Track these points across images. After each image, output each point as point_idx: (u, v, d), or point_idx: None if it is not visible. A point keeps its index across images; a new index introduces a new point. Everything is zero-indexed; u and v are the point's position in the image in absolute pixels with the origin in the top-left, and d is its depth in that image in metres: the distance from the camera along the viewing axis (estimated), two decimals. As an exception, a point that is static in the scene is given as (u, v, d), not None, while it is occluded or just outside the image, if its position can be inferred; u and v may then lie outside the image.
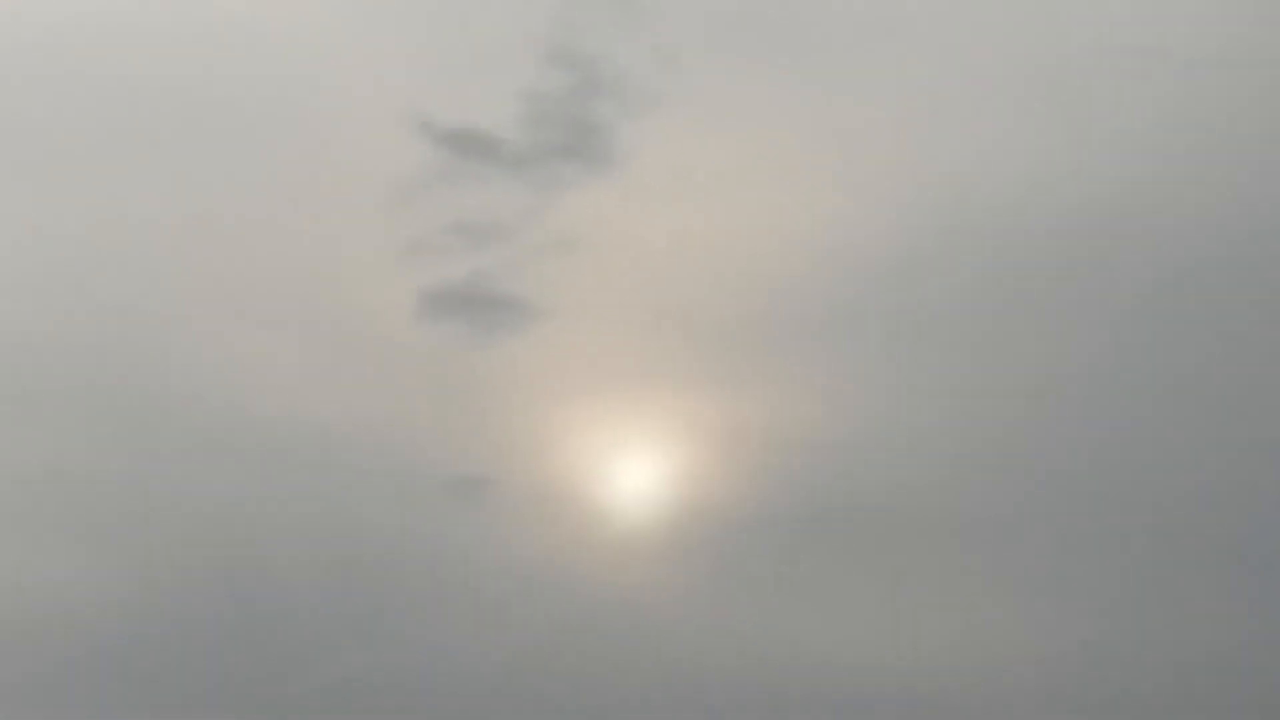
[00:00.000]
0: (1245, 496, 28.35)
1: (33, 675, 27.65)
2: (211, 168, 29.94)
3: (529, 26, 29.93)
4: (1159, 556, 28.20)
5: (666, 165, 29.90)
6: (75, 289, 29.67)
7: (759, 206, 29.95)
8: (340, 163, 30.03)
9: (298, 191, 29.98)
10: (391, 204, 29.69)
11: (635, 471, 29.22)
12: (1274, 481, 28.20)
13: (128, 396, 29.30)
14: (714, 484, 28.98)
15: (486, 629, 28.30)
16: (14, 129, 29.86)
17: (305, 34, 30.20)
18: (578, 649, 28.08)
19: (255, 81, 30.18)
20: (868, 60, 30.05)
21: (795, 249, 29.68)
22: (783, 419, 29.06)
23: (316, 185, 30.03)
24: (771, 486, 28.84)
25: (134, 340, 29.52)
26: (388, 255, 29.57)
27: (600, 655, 28.01)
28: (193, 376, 29.45)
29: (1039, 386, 29.19)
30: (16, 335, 29.25)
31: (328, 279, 29.86)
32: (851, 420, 29.06)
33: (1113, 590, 28.19)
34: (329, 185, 30.03)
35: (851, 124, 29.83)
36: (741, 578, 28.53)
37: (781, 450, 28.94)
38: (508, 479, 28.90)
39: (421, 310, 29.45)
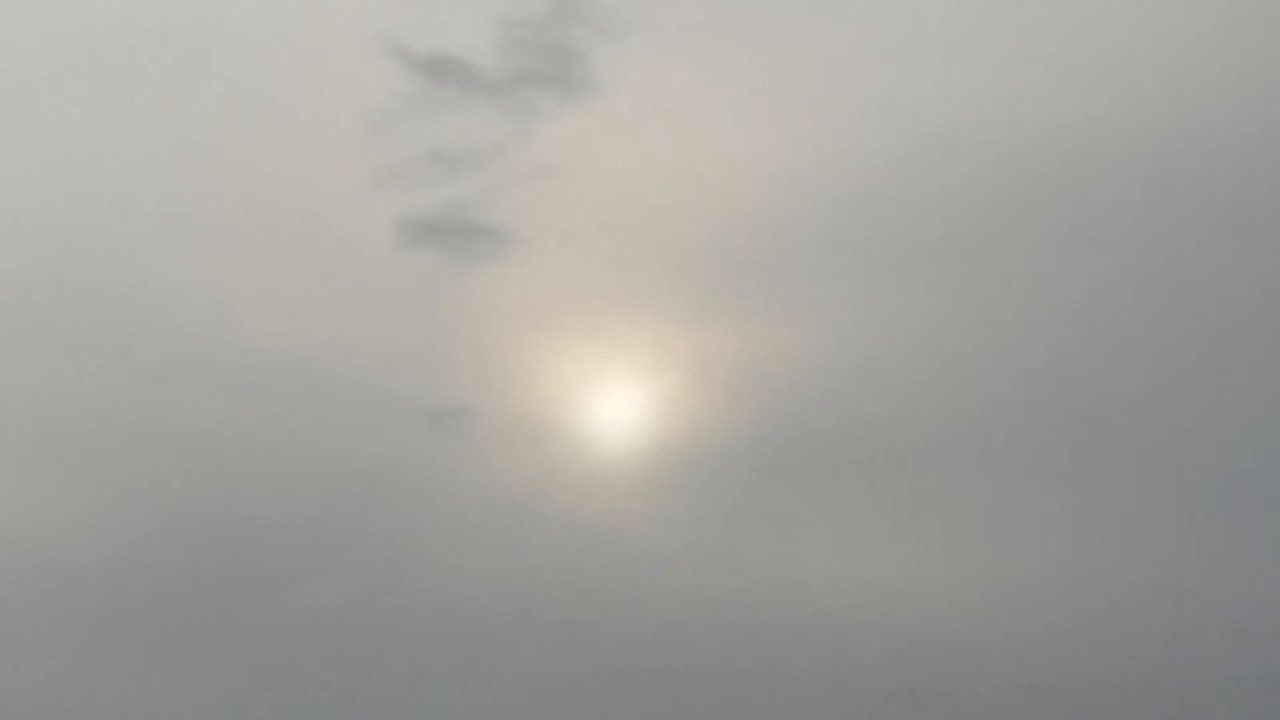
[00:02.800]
0: (1217, 424, 28.58)
1: (5, 598, 27.81)
2: (186, 97, 29.72)
3: (504, -49, 29.67)
4: (1132, 484, 28.43)
5: (643, 92, 29.75)
6: (50, 219, 29.53)
7: (735, 134, 29.85)
8: (314, 90, 29.83)
9: (272, 120, 29.78)
10: (367, 132, 29.51)
11: (614, 401, 29.32)
12: (1246, 409, 28.43)
13: (104, 324, 29.27)
14: (691, 413, 29.11)
15: (464, 558, 28.46)
16: (-15, 62, 29.67)
17: (278, -41, 29.95)
18: (556, 578, 28.28)
19: (228, 10, 29.91)
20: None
21: (771, 176, 29.62)
22: (759, 348, 29.14)
23: (291, 113, 29.83)
24: (748, 415, 28.99)
25: (111, 269, 29.43)
26: (364, 184, 29.44)
27: (578, 584, 28.21)
28: (169, 305, 29.39)
29: (1012, 314, 29.31)
30: (-9, 267, 29.19)
31: (304, 208, 29.73)
32: (829, 350, 29.17)
33: (1087, 516, 28.44)
34: (304, 113, 29.84)
35: (828, 51, 29.68)
36: (718, 506, 28.73)
37: (757, 379, 29.06)
38: (487, 408, 28.98)
39: (398, 239, 29.41)
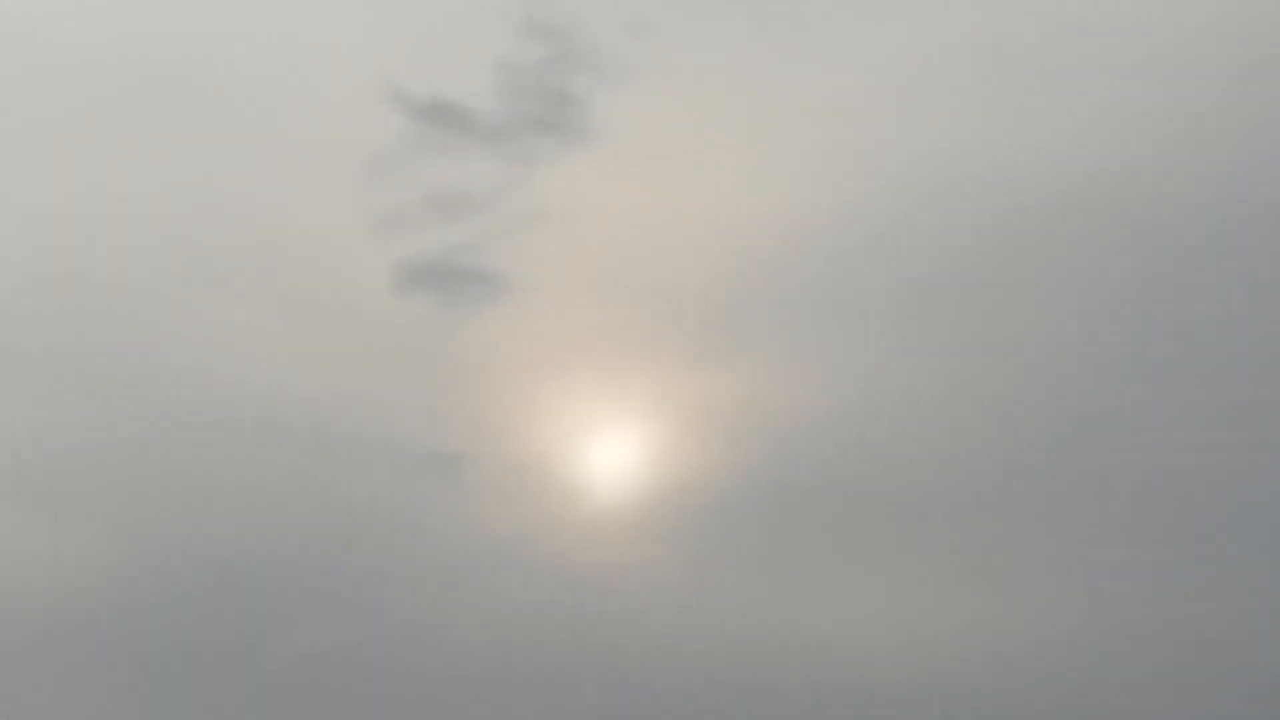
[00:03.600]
0: (1238, 478, 28.32)
1: (9, 647, 27.50)
2: (182, 139, 29.61)
3: (504, -4, 29.67)
4: (1150, 539, 28.17)
5: (643, 138, 29.65)
6: (48, 260, 29.36)
7: (736, 180, 29.73)
8: (312, 134, 29.72)
9: (269, 163, 29.67)
10: (364, 176, 29.40)
11: (612, 448, 29.08)
12: (1268, 463, 28.19)
13: (99, 368, 29.07)
14: (691, 461, 28.87)
15: (461, 605, 28.21)
16: (-15, 101, 29.58)
17: (277, 3, 29.85)
18: (553, 626, 28.00)
19: (226, 52, 29.81)
20: (848, 32, 29.80)
21: (773, 223, 29.50)
22: (760, 396, 28.94)
23: (288, 156, 29.71)
24: (749, 464, 28.76)
25: (105, 312, 29.25)
26: (361, 228, 29.32)
27: (576, 633, 27.95)
28: (164, 349, 29.22)
29: (1020, 365, 29.12)
30: (-13, 308, 29.00)
31: (301, 251, 29.59)
32: (830, 398, 28.95)
33: (1101, 571, 28.17)
34: (301, 157, 29.71)
35: (831, 97, 29.58)
36: (718, 556, 28.48)
37: (759, 428, 28.84)
38: (483, 454, 28.77)
39: (396, 284, 29.24)
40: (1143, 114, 29.31)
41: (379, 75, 29.46)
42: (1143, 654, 27.56)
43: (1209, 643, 27.35)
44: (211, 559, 28.23)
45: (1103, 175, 29.12)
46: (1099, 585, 27.92)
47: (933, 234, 29.35)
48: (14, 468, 28.37)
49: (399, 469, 28.55)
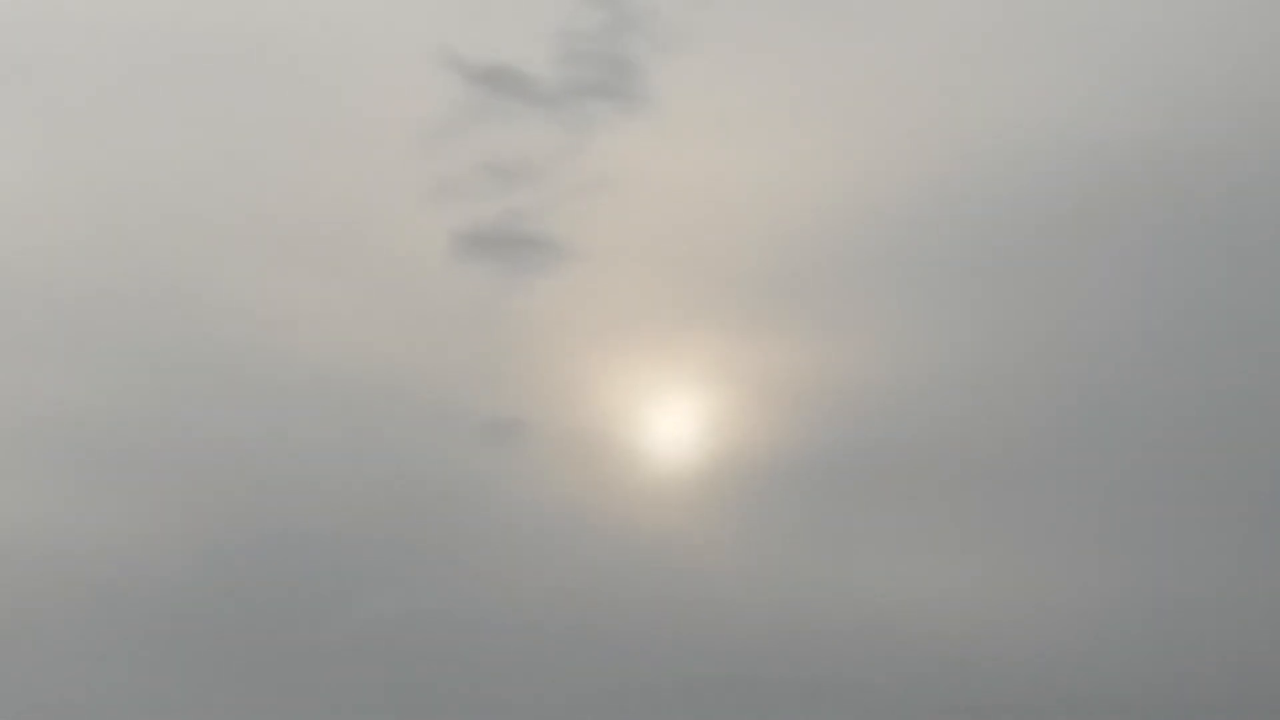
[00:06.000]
0: (1270, 442, 28.34)
1: (74, 620, 27.85)
2: (242, 109, 29.72)
3: (562, -38, 29.60)
4: (1183, 503, 28.21)
5: (699, 104, 29.66)
6: (107, 231, 29.58)
7: (792, 148, 29.71)
8: (371, 102, 29.80)
9: (329, 131, 29.76)
10: (423, 143, 29.47)
11: (669, 415, 29.22)
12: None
13: (162, 338, 29.28)
14: (748, 429, 29.01)
15: (519, 572, 28.39)
16: (48, 71, 29.65)
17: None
18: (610, 593, 28.20)
19: (285, 21, 29.86)
20: (906, 4, 29.73)
21: (831, 192, 29.51)
22: (818, 365, 29.02)
23: (347, 125, 29.81)
24: (803, 430, 28.87)
25: (166, 282, 29.43)
26: (420, 196, 29.38)
27: (632, 600, 28.14)
28: (225, 318, 29.39)
29: (1065, 331, 29.15)
30: (50, 277, 29.22)
31: (360, 220, 29.71)
32: (885, 365, 29.04)
33: (1139, 534, 28.25)
34: (360, 125, 29.81)
35: (886, 66, 29.55)
36: (774, 523, 28.61)
37: (813, 394, 28.94)
38: (541, 422, 28.91)
39: (454, 251, 29.35)
40: (1184, 90, 29.23)
41: (437, 42, 29.48)
42: (1193, 617, 27.67)
43: (1252, 613, 27.47)
44: (273, 530, 28.46)
45: (1144, 146, 29.08)
46: (1140, 554, 28.01)
47: (988, 204, 29.34)
48: (77, 442, 28.66)
49: (459, 436, 28.74)
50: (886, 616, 27.99)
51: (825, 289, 29.42)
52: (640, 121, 29.51)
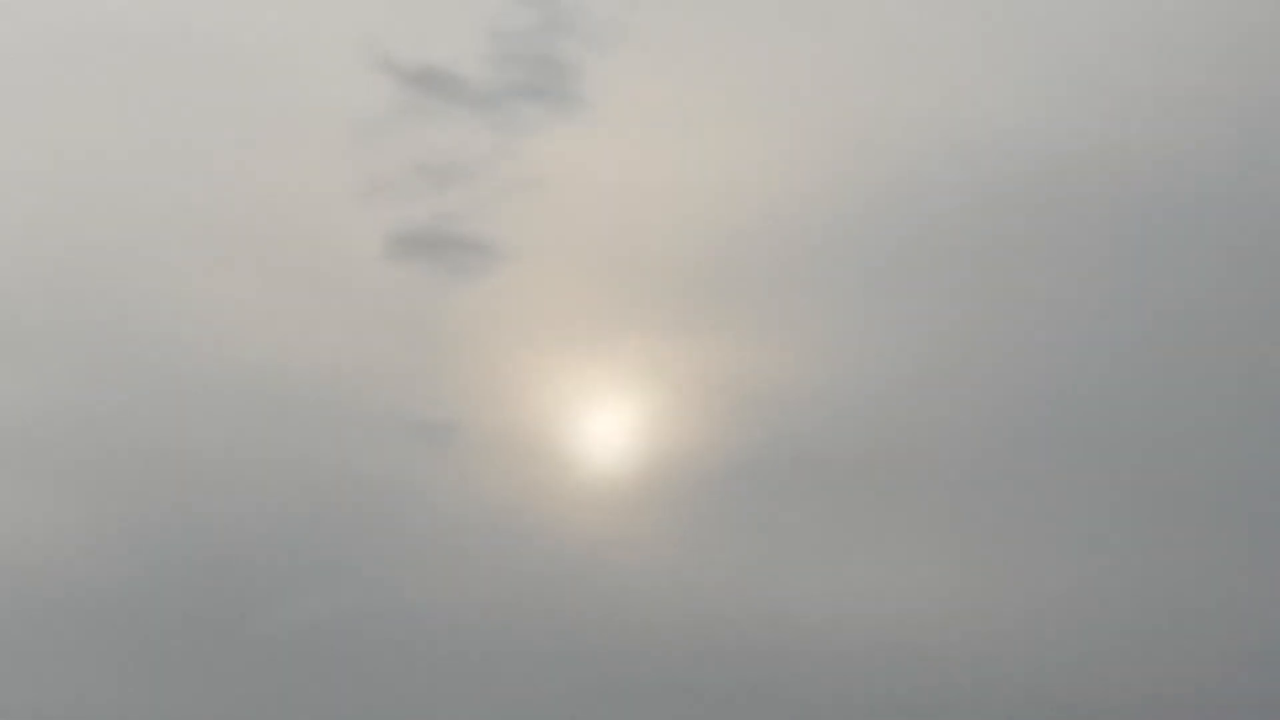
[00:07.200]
0: (1227, 438, 28.33)
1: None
2: (171, 107, 29.43)
3: (493, -38, 29.42)
4: (1136, 503, 28.17)
5: (632, 105, 29.48)
6: (34, 227, 29.24)
7: (728, 148, 29.58)
8: (302, 101, 29.54)
9: (259, 130, 29.50)
10: (355, 144, 29.26)
11: (603, 418, 29.01)
12: (1257, 424, 28.19)
13: (87, 336, 28.96)
14: (682, 432, 28.81)
15: (450, 573, 28.15)
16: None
17: (265, -31, 29.68)
18: (543, 597, 27.96)
19: (215, 19, 29.63)
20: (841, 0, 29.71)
21: (765, 192, 29.39)
22: (752, 366, 28.86)
23: (278, 124, 29.56)
24: (740, 434, 28.68)
25: (93, 279, 29.14)
26: (352, 196, 29.18)
27: (566, 604, 27.90)
28: (154, 317, 29.11)
29: (1012, 333, 29.06)
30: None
31: (291, 219, 29.45)
32: (821, 367, 28.87)
33: (1089, 533, 28.17)
34: (291, 124, 29.56)
35: (824, 66, 29.44)
36: (709, 525, 28.40)
37: (750, 398, 28.77)
38: (474, 424, 28.67)
39: (386, 252, 29.13)
40: (1135, 87, 29.24)
41: (368, 42, 29.30)
42: (1136, 617, 27.62)
43: (1208, 612, 27.41)
44: (200, 529, 28.15)
45: (1093, 145, 29.06)
46: (1092, 556, 27.95)
47: (926, 205, 29.25)
48: (2, 440, 28.33)
49: (390, 438, 28.49)
50: (823, 619, 27.81)
51: (761, 290, 29.28)
52: (573, 122, 29.38)
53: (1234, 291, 28.89)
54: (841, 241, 29.38)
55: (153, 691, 27.25)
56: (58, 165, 29.21)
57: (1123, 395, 28.69)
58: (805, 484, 28.54)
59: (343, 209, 29.18)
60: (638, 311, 29.23)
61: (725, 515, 28.40)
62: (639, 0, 29.39)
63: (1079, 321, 29.04)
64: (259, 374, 28.81)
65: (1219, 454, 28.20)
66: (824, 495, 28.54)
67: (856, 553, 28.22)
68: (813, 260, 29.34)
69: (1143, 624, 27.44)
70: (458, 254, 29.08)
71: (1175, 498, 28.06)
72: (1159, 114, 29.12)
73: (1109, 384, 28.77)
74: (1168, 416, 28.52)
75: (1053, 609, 27.66)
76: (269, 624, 27.67)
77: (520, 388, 29.04)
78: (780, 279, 29.28)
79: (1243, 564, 27.58)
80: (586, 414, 29.06)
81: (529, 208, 29.18)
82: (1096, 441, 28.45)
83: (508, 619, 27.87)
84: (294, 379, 28.87)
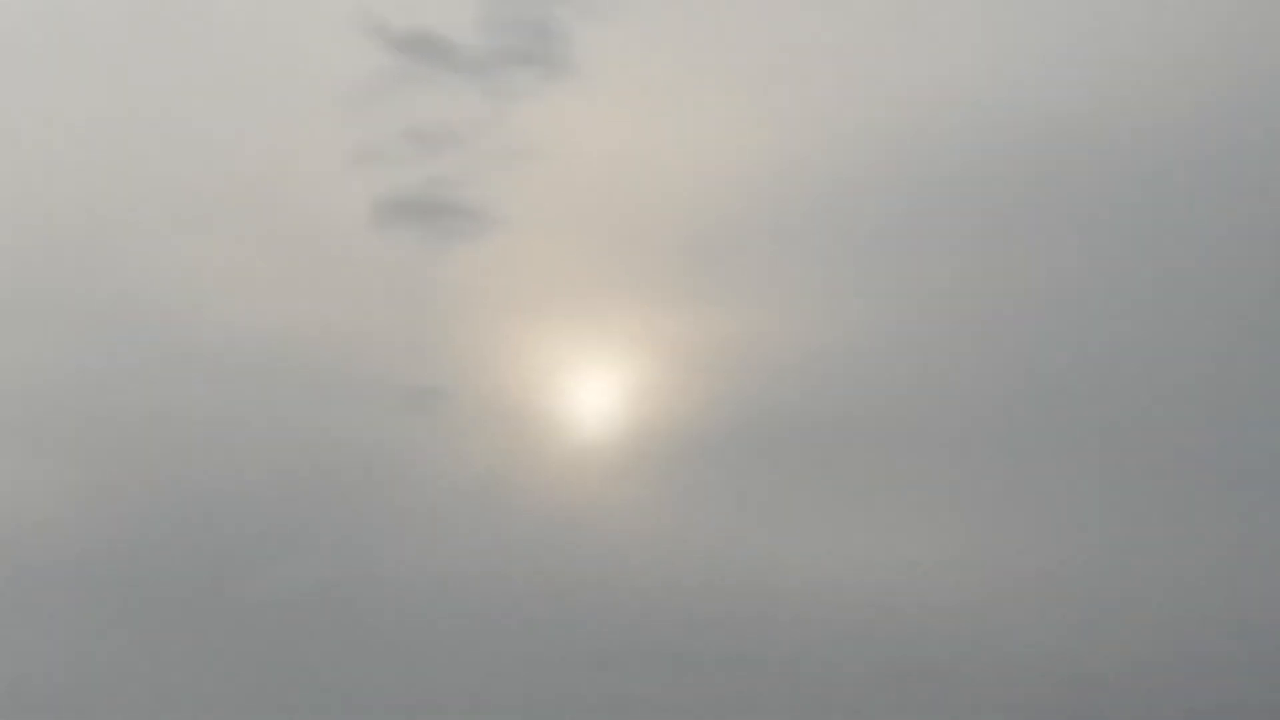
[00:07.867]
0: (1211, 407, 28.32)
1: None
2: (163, 73, 29.40)
3: (485, -72, 29.35)
4: (1123, 470, 28.17)
5: (623, 73, 29.43)
6: (22, 195, 29.22)
7: (717, 117, 29.54)
8: (292, 67, 29.49)
9: (250, 97, 29.46)
10: (345, 110, 29.19)
11: (591, 384, 29.02)
12: (1244, 396, 28.20)
13: (75, 303, 28.97)
14: (670, 398, 28.82)
15: (437, 539, 28.18)
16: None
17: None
18: (530, 562, 27.98)
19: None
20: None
21: (754, 160, 29.34)
22: (742, 334, 28.86)
23: (268, 91, 29.50)
24: (728, 401, 28.70)
25: (85, 246, 29.13)
26: (342, 162, 29.10)
27: (553, 569, 27.93)
28: (144, 282, 29.13)
29: (996, 299, 29.04)
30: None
31: (281, 186, 29.42)
32: (808, 333, 28.88)
33: (1074, 503, 28.20)
34: (281, 91, 29.50)
35: (814, 36, 29.39)
36: (696, 491, 28.44)
37: (738, 364, 28.77)
38: (462, 390, 28.69)
39: (376, 218, 29.10)
40: (1125, 52, 29.20)
41: (357, 7, 29.22)
42: (1122, 591, 27.65)
43: (1188, 581, 27.43)
44: (186, 494, 28.20)
45: (1094, 117, 29.02)
46: (1079, 521, 27.97)
47: (915, 173, 29.21)
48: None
49: (377, 404, 28.50)
50: (809, 583, 27.83)
51: (749, 258, 29.27)
52: (563, 90, 29.32)
53: (1231, 267, 28.88)
54: (832, 211, 29.38)
55: (141, 655, 27.32)
56: (46, 134, 29.18)
57: (1114, 362, 28.68)
58: (792, 450, 28.59)
59: (333, 175, 29.15)
60: (625, 278, 29.25)
61: (713, 480, 28.45)
62: (630, -33, 29.35)
63: (1070, 288, 29.05)
64: (247, 340, 28.85)
65: (1210, 423, 28.20)
66: (811, 462, 28.59)
67: (843, 518, 28.25)
68: (804, 229, 29.34)
69: (1128, 591, 27.47)
70: (447, 220, 29.10)
71: (1163, 463, 28.06)
72: (1156, 89, 29.05)
73: (1101, 350, 28.76)
74: (1160, 382, 28.51)
75: (1038, 573, 27.67)
76: (252, 590, 27.70)
77: (508, 354, 29.09)
78: (767, 247, 29.29)
79: (1230, 528, 27.62)
80: (574, 380, 29.09)
81: (519, 174, 29.16)
82: (1086, 408, 28.46)
83: (495, 583, 27.89)
84: (283, 345, 28.90)
